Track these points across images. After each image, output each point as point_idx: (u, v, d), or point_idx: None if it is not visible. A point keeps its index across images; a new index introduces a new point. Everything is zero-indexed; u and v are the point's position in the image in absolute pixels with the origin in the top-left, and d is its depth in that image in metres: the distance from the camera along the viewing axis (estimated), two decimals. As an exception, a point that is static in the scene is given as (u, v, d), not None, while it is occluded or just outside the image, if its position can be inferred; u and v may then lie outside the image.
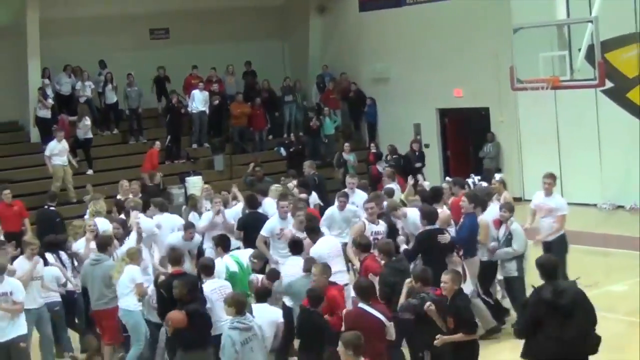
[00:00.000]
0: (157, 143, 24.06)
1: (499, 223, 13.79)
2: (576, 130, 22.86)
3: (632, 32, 21.36)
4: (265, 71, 28.33)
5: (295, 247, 12.74)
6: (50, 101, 24.42)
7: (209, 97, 26.22)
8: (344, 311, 10.80)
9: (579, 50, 17.24)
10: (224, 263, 12.42)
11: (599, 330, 11.61)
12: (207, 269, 11.65)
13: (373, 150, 25.79)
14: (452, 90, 25.70)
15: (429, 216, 13.05)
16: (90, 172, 24.15)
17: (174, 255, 11.82)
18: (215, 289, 11.34)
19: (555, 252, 13.20)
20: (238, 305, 9.93)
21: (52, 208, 18.80)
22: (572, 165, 22.68)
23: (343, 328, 10.04)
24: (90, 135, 24.49)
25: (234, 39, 28.19)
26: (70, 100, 25.42)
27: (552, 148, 23.16)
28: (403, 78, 26.89)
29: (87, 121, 24.21)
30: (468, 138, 26.22)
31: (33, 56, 24.59)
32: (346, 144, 25.56)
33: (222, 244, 12.87)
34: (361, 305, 10.03)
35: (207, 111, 26.20)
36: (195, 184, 23.46)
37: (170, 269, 11.84)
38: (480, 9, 24.21)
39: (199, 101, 25.92)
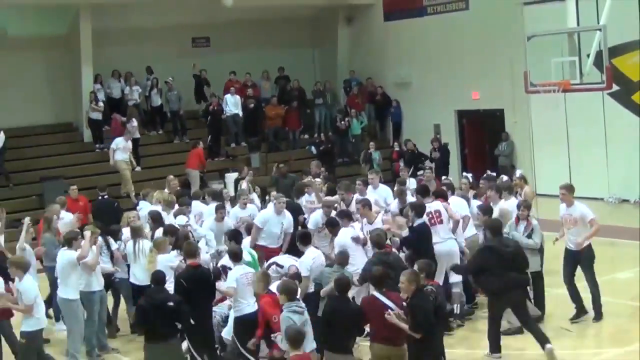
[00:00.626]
0: (201, 143, 24.18)
1: (517, 220, 13.52)
2: (584, 130, 22.80)
3: (637, 39, 21.28)
4: (297, 76, 28.39)
5: (305, 238, 12.54)
6: (101, 104, 24.64)
7: (245, 101, 26.35)
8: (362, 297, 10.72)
9: (588, 56, 17.21)
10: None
11: (605, 314, 11.84)
12: (235, 256, 11.62)
13: (396, 149, 25.85)
14: (470, 93, 25.67)
15: (416, 209, 13.06)
16: (138, 168, 24.29)
17: (188, 249, 11.67)
18: (243, 274, 11.34)
19: (584, 263, 13.12)
20: (289, 293, 9.94)
21: (106, 197, 18.70)
22: (581, 162, 22.63)
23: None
24: (137, 135, 24.64)
25: (269, 47, 28.27)
26: (120, 103, 25.65)
27: (562, 146, 23.11)
28: (424, 82, 26.90)
29: (134, 122, 24.40)
30: (484, 137, 26.16)
31: (86, 63, 24.81)
32: (371, 143, 25.61)
33: (235, 238, 12.73)
34: (374, 292, 10.03)
35: (241, 113, 26.26)
36: (233, 179, 23.58)
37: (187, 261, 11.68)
38: (496, 18, 24.17)
39: (231, 104, 26.03)
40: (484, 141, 26.10)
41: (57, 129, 25.72)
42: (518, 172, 16.96)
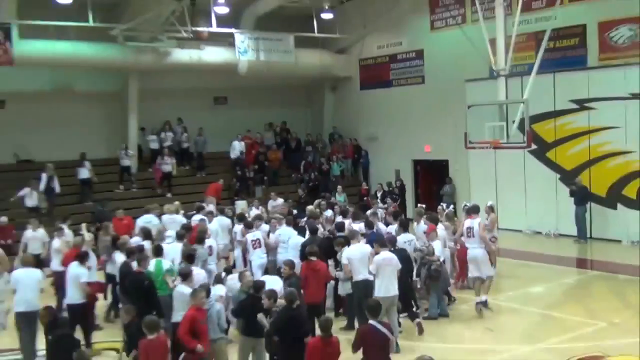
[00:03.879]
0: (221, 180, 24.04)
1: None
2: (509, 178, 22.85)
3: (551, 110, 21.42)
4: (294, 129, 28.61)
5: (189, 258, 11.50)
6: (131, 152, 24.37)
7: (254, 150, 26.51)
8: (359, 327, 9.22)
9: (514, 121, 17.34)
10: None
11: (521, 321, 11.44)
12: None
13: (365, 187, 25.96)
14: (423, 147, 25.74)
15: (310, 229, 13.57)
16: (169, 195, 24.12)
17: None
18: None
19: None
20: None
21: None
22: (506, 202, 22.63)
23: (355, 342, 8.47)
24: (173, 170, 24.59)
25: (273, 106, 28.35)
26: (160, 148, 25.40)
27: (492, 189, 23.12)
28: (388, 137, 26.97)
29: (174, 159, 24.48)
30: (433, 180, 26.17)
31: (132, 114, 24.79)
32: (339, 187, 24.35)
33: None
34: (372, 322, 8.43)
35: (244, 157, 26.16)
36: (241, 205, 23.51)
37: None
38: (445, 91, 24.30)
39: (237, 149, 26.00)
40: (433, 183, 26.11)
41: (108, 162, 25.44)
42: (489, 202, 16.54)
